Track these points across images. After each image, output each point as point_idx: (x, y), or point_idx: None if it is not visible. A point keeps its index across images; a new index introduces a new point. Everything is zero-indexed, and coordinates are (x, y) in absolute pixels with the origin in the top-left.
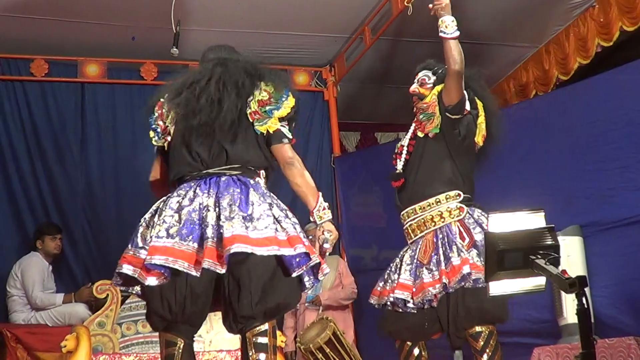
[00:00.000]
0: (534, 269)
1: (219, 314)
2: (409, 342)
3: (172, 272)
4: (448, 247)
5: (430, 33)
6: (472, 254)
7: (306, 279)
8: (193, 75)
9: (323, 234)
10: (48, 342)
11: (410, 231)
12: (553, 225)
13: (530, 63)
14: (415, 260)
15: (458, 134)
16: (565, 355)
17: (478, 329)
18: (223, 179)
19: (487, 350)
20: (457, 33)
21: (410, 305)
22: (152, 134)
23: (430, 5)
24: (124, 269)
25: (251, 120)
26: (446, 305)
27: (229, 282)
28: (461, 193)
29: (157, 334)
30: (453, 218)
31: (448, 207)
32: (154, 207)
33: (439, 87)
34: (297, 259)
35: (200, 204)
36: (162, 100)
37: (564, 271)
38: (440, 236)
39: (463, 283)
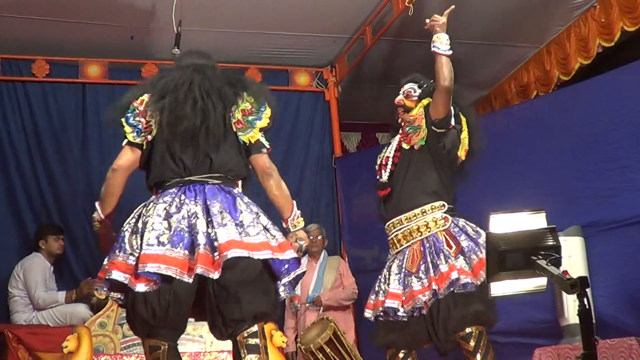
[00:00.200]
0: (536, 269)
1: None
2: (402, 351)
3: (161, 278)
4: (436, 256)
5: (431, 34)
6: (459, 261)
7: (282, 289)
8: (173, 79)
9: (297, 241)
10: (49, 342)
11: (395, 241)
12: (554, 226)
13: (531, 63)
14: (403, 270)
15: (443, 147)
16: (567, 356)
17: (468, 330)
18: (208, 187)
19: (480, 350)
20: (451, 52)
21: (400, 313)
22: (129, 129)
23: (427, 21)
24: (114, 275)
25: (235, 130)
26: (437, 310)
27: (215, 287)
28: (445, 204)
29: None
30: (439, 228)
31: (434, 217)
32: (136, 212)
33: (425, 101)
34: (287, 265)
35: (188, 211)
36: (143, 98)
37: (565, 272)
38: (427, 245)
39: (452, 288)
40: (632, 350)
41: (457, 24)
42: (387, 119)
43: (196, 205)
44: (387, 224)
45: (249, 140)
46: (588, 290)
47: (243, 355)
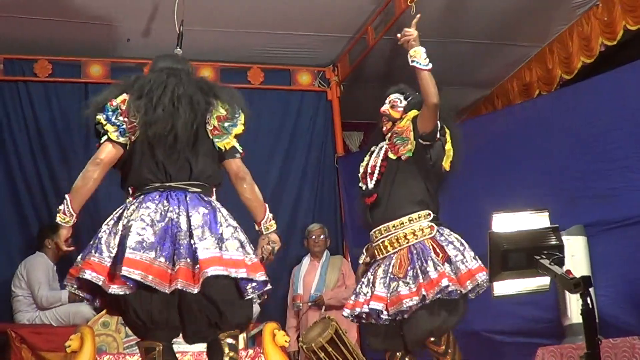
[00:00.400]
0: (539, 269)
1: None
2: (398, 353)
3: (139, 285)
4: (424, 262)
5: (433, 33)
6: (446, 268)
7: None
8: (149, 81)
9: (269, 244)
10: (52, 342)
11: (382, 247)
12: (557, 225)
13: (534, 62)
14: (389, 274)
15: (429, 158)
16: (570, 355)
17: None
18: (189, 196)
19: (450, 351)
20: (431, 65)
21: (384, 316)
22: (111, 127)
23: (399, 36)
24: (87, 275)
25: (211, 137)
26: (414, 315)
27: (194, 300)
28: (431, 212)
29: None
30: (425, 236)
31: (420, 226)
32: (115, 214)
33: (412, 113)
34: (254, 284)
35: (171, 220)
36: (124, 98)
37: (568, 271)
38: (415, 252)
39: (440, 295)
40: (634, 349)
41: (460, 23)
42: None
43: (179, 216)
44: (373, 230)
45: (225, 147)
46: (591, 289)
47: (227, 351)
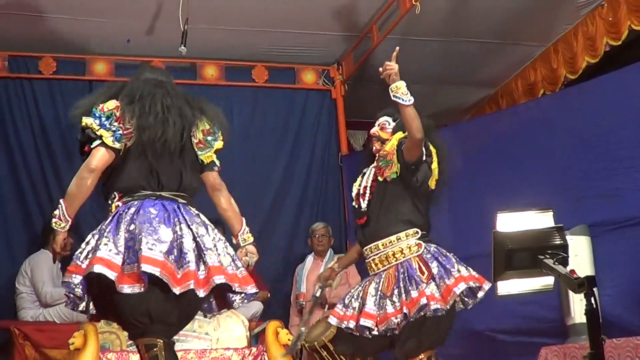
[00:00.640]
0: (543, 268)
1: (226, 313)
2: (358, 358)
3: (150, 281)
4: (408, 282)
5: (437, 32)
6: (430, 287)
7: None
8: (138, 88)
9: (247, 255)
10: (56, 339)
11: (373, 265)
12: (561, 225)
13: (538, 62)
14: (379, 292)
15: (416, 180)
16: (573, 355)
17: (421, 356)
18: (180, 206)
19: None
20: (413, 100)
21: (374, 333)
22: (106, 133)
23: (380, 70)
24: (99, 269)
25: (195, 149)
26: (401, 332)
27: (193, 301)
28: (419, 231)
29: None
30: (412, 254)
31: (408, 244)
32: (114, 217)
33: (399, 135)
34: (242, 295)
35: (174, 226)
36: (117, 104)
37: (572, 271)
38: (402, 270)
39: (422, 312)
40: (638, 349)
41: (464, 23)
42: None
43: (181, 224)
44: (365, 248)
45: (206, 160)
46: (595, 289)
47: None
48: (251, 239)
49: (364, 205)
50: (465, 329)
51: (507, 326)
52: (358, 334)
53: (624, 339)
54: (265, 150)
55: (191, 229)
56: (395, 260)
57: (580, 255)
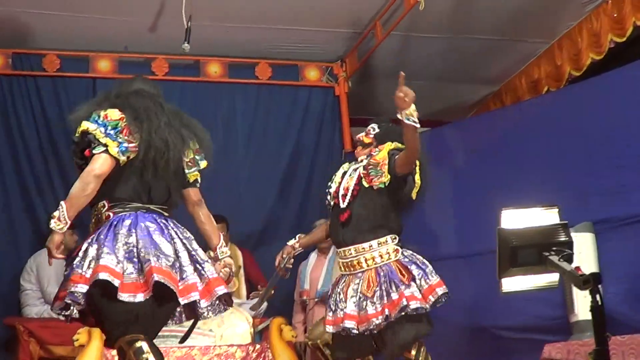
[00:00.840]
0: (548, 265)
1: (230, 309)
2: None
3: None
4: (389, 284)
5: (441, 29)
6: (411, 288)
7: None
8: (138, 103)
9: (225, 267)
10: (60, 335)
11: (351, 265)
12: (566, 222)
13: (543, 59)
14: (358, 293)
15: (402, 192)
16: (576, 352)
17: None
18: (169, 220)
19: (420, 357)
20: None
21: (355, 331)
22: (112, 143)
23: (401, 95)
24: (102, 276)
25: (185, 168)
26: (386, 331)
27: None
28: (397, 236)
29: (169, 328)
30: (391, 258)
31: (387, 249)
32: (107, 227)
33: (389, 146)
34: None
35: (172, 238)
36: (122, 116)
37: (577, 268)
38: (382, 274)
39: (403, 312)
40: None
41: (469, 20)
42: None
43: (174, 238)
44: (343, 248)
45: (191, 178)
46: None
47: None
48: (228, 252)
49: (343, 205)
50: (469, 325)
51: (510, 323)
52: (344, 334)
53: (629, 336)
54: (269, 147)
55: (184, 243)
56: (375, 264)
57: (585, 253)
